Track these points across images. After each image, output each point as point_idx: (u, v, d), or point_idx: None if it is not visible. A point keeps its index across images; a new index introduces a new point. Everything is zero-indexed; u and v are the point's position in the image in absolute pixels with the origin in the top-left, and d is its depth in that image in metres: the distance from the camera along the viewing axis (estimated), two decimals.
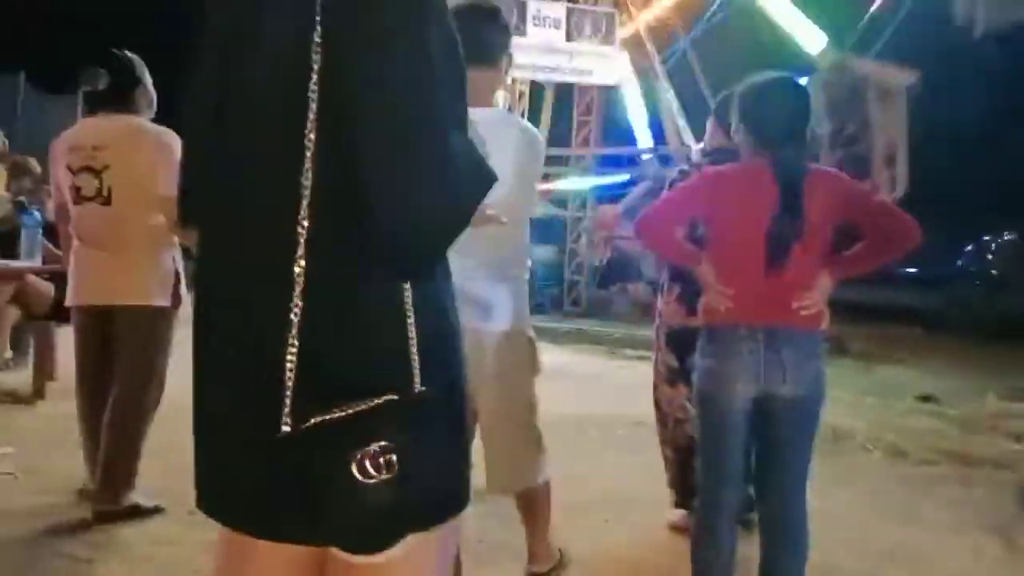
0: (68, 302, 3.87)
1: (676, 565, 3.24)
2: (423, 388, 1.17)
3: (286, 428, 1.11)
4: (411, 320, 1.17)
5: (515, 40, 11.41)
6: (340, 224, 1.14)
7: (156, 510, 3.74)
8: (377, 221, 1.11)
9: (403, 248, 1.15)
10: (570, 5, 12.07)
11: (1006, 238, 17.53)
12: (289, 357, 1.12)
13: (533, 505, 3.08)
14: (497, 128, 2.77)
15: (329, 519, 1.14)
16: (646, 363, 4.57)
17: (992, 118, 19.51)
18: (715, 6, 12.81)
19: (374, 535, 1.18)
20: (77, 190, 3.71)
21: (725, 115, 3.53)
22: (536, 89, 13.54)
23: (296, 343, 1.12)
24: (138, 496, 3.72)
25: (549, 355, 4.10)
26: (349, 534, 1.18)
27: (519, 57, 11.81)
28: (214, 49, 1.27)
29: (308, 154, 1.13)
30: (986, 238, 18.67)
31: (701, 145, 4.36)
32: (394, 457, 1.11)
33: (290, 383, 1.12)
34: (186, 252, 3.79)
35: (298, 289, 1.13)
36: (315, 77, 1.14)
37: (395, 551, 1.19)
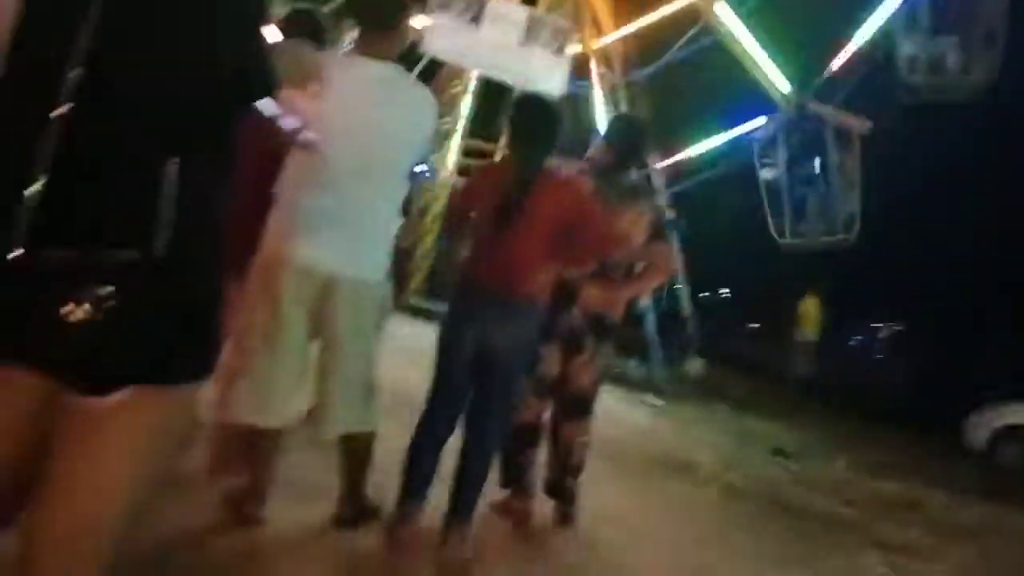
0: None
1: (488, 541, 3.47)
2: (167, 256, 1.24)
3: (18, 252, 1.17)
4: (170, 192, 1.24)
5: (470, 34, 11.46)
6: (110, 84, 1.21)
7: None
8: (136, 87, 1.20)
9: (162, 116, 1.24)
10: (532, 11, 12.24)
11: (894, 328, 18.47)
12: (34, 189, 1.18)
13: (355, 451, 3.11)
14: (387, 83, 2.87)
15: (45, 347, 1.21)
16: None
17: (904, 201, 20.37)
18: (676, 46, 13.13)
19: (88, 374, 1.24)
20: None
21: (611, 134, 4.03)
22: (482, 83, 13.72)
23: (45, 178, 1.18)
24: None
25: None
26: (65, 366, 1.24)
27: (470, 49, 11.88)
28: None
29: (93, 8, 1.21)
30: (878, 324, 19.62)
31: None
32: (111, 304, 1.18)
33: (30, 214, 1.18)
34: None
35: (58, 129, 1.19)
36: None
37: (113, 398, 1.25)
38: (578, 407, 3.91)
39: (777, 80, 12.17)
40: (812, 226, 12.13)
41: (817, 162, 11.99)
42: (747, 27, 12.44)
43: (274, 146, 2.62)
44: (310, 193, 2.75)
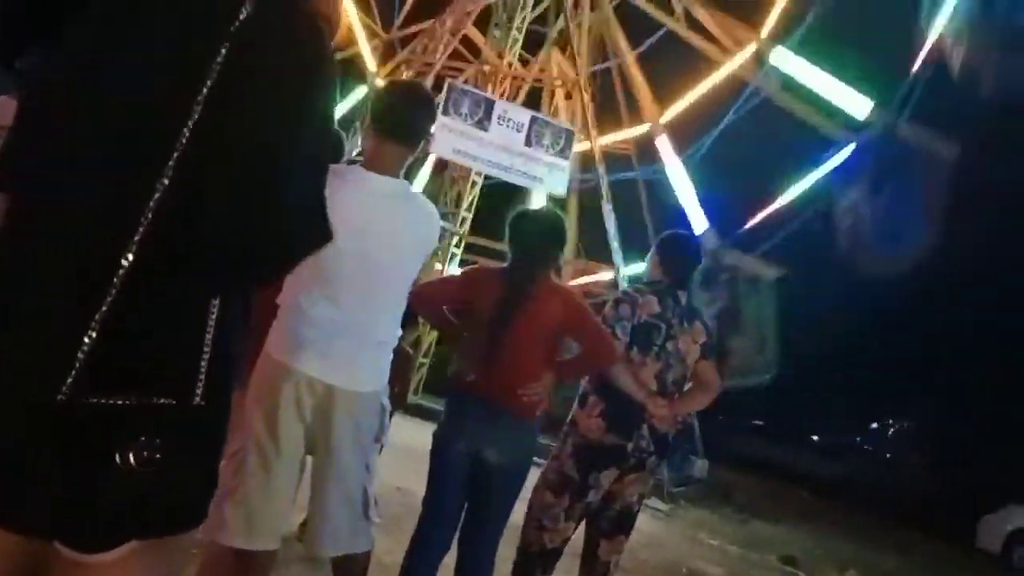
0: None
1: None
2: (201, 402, 1.21)
3: (61, 398, 1.13)
4: (210, 336, 1.22)
5: (478, 135, 11.76)
6: (175, 231, 1.19)
7: None
8: (204, 236, 1.20)
9: (223, 266, 1.23)
10: (535, 114, 12.58)
11: (905, 425, 18.24)
12: (89, 337, 1.15)
13: (350, 572, 3.00)
14: (396, 198, 2.89)
15: (55, 501, 1.16)
16: None
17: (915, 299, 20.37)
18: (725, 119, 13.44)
19: (94, 529, 1.18)
20: None
21: (663, 252, 3.82)
22: (489, 184, 13.96)
23: (98, 328, 1.15)
24: None
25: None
26: (68, 523, 1.18)
27: (478, 150, 12.15)
28: (92, 31, 1.27)
29: (171, 162, 1.18)
30: (889, 421, 19.41)
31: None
32: (158, 455, 1.15)
33: (80, 361, 1.14)
34: None
35: (117, 280, 1.16)
36: (200, 98, 1.20)
37: (114, 554, 1.19)
38: (622, 524, 3.66)
39: (854, 105, 11.94)
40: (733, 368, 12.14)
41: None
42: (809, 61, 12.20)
43: None
44: (314, 304, 2.73)
